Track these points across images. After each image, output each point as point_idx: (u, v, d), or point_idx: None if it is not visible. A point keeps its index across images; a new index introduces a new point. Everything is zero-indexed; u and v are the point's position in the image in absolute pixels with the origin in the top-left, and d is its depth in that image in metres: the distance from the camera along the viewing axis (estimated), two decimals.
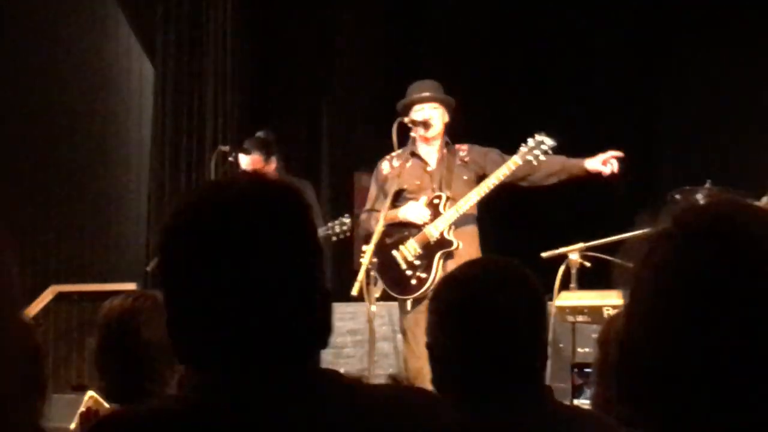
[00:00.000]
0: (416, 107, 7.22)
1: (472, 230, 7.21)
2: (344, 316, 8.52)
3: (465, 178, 7.21)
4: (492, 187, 7.04)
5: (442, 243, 7.14)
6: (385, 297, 7.23)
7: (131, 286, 8.96)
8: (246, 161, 8.08)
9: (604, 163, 7.10)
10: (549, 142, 6.99)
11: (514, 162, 7.00)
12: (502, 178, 7.02)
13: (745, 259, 1.39)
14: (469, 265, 2.84)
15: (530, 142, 7.00)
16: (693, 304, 1.39)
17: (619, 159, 7.07)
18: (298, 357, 1.86)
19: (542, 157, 6.99)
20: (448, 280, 2.78)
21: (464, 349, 2.64)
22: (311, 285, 1.89)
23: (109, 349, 3.26)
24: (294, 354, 1.86)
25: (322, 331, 1.92)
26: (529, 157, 6.99)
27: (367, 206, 7.44)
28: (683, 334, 1.38)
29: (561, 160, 7.15)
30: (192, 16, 9.77)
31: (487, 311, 2.63)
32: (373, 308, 7.01)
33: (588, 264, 6.25)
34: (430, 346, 2.72)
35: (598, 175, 7.13)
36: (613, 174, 7.08)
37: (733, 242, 1.40)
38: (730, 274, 1.38)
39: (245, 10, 9.70)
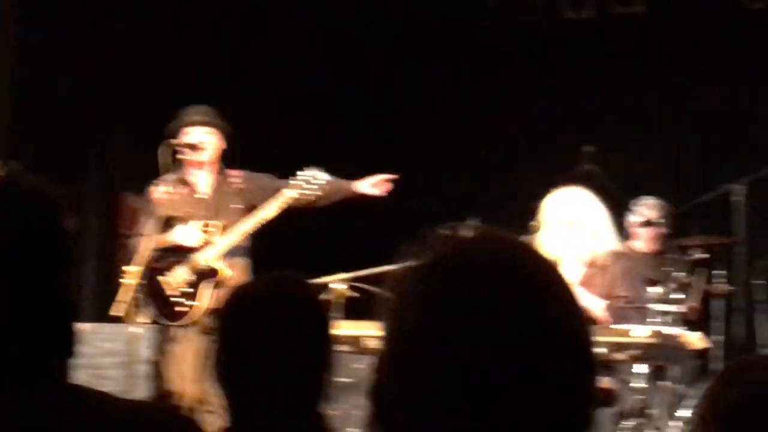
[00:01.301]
0: (187, 130, 7.15)
1: (244, 262, 7.19)
2: (103, 337, 8.35)
3: (236, 207, 7.20)
4: (267, 219, 7.07)
5: (212, 272, 7.09)
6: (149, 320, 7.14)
7: None
8: None
9: (375, 185, 7.30)
10: (321, 176, 7.07)
11: (290, 197, 7.04)
12: (277, 210, 7.06)
13: (497, 297, 1.35)
14: (254, 286, 2.81)
15: (302, 175, 7.08)
16: (441, 340, 1.34)
17: (390, 181, 7.29)
18: (35, 369, 1.80)
19: (319, 192, 7.08)
20: (232, 304, 2.74)
21: (241, 371, 2.62)
22: (51, 294, 1.83)
23: None
24: (30, 366, 1.80)
25: (64, 342, 1.86)
26: (306, 191, 7.04)
27: (137, 230, 7.29)
28: (429, 372, 1.35)
29: (330, 182, 7.17)
30: None
31: (260, 334, 2.63)
32: (136, 330, 6.94)
33: (348, 294, 6.36)
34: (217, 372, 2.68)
35: (366, 197, 7.31)
36: (384, 195, 7.28)
37: (488, 280, 1.36)
38: (479, 312, 1.34)
39: (26, 27, 9.45)
